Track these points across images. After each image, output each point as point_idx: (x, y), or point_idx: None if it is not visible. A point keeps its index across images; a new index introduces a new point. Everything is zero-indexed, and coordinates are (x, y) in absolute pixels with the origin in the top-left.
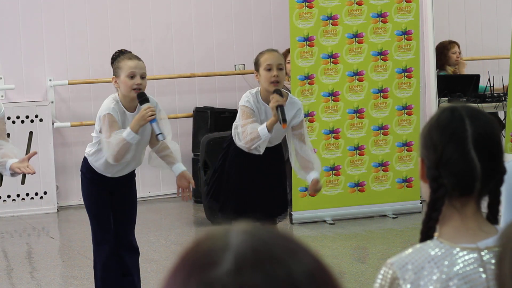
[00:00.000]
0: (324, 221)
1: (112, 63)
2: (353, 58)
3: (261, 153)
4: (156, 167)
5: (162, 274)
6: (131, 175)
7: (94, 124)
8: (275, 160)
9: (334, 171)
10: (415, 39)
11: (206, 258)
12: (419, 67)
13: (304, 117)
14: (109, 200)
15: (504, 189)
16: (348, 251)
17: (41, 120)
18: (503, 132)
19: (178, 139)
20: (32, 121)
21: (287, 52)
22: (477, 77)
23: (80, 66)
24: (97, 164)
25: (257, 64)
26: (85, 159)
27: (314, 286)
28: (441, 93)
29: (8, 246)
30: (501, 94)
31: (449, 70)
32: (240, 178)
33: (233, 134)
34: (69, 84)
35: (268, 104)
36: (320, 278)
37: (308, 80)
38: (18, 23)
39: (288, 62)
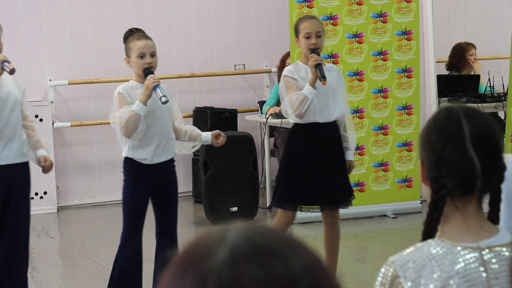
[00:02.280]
0: None
1: (124, 42)
2: (353, 58)
3: (313, 120)
4: (191, 150)
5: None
6: (171, 168)
7: (94, 124)
8: (337, 143)
9: None
10: (415, 39)
11: (202, 251)
12: (419, 67)
13: None
14: (146, 204)
15: (504, 188)
16: (348, 251)
17: (41, 120)
18: (503, 132)
19: None
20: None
21: (287, 55)
22: (477, 77)
23: (80, 66)
24: (135, 153)
25: (296, 30)
26: (125, 158)
27: (311, 279)
28: (441, 93)
29: None
30: (501, 94)
31: (464, 71)
32: (308, 166)
33: (283, 112)
34: (69, 84)
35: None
36: (317, 272)
37: None
38: (18, 23)
39: (288, 64)
